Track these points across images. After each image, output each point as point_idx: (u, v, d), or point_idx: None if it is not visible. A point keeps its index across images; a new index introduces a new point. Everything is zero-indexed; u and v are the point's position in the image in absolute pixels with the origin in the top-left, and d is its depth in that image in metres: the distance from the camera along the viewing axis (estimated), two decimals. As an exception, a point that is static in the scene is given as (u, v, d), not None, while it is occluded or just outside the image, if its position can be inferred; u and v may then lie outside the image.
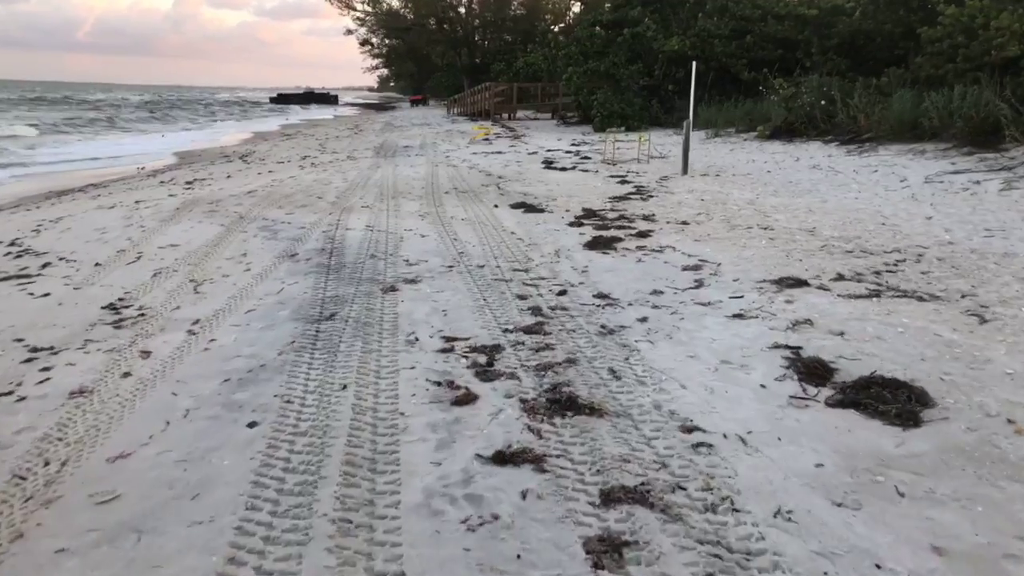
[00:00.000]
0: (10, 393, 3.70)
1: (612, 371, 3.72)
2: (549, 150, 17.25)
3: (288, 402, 3.49)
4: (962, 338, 4.05)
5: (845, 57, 21.66)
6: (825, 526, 2.43)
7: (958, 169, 10.64)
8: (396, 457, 2.94)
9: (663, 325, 4.44)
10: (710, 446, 2.95)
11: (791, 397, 3.39)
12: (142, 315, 4.97)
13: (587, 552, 2.30)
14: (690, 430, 3.08)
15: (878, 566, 2.24)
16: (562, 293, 5.16)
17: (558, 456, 2.90)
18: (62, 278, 5.98)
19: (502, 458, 2.87)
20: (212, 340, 4.44)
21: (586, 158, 15.16)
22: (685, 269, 5.77)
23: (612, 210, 8.67)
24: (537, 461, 2.85)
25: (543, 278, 5.61)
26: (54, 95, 76.51)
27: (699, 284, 5.32)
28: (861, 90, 16.33)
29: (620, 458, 2.87)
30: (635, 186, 10.69)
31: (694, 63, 12.59)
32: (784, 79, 19.04)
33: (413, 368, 3.86)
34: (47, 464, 2.97)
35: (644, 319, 4.56)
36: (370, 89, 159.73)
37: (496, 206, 9.16)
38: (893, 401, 3.22)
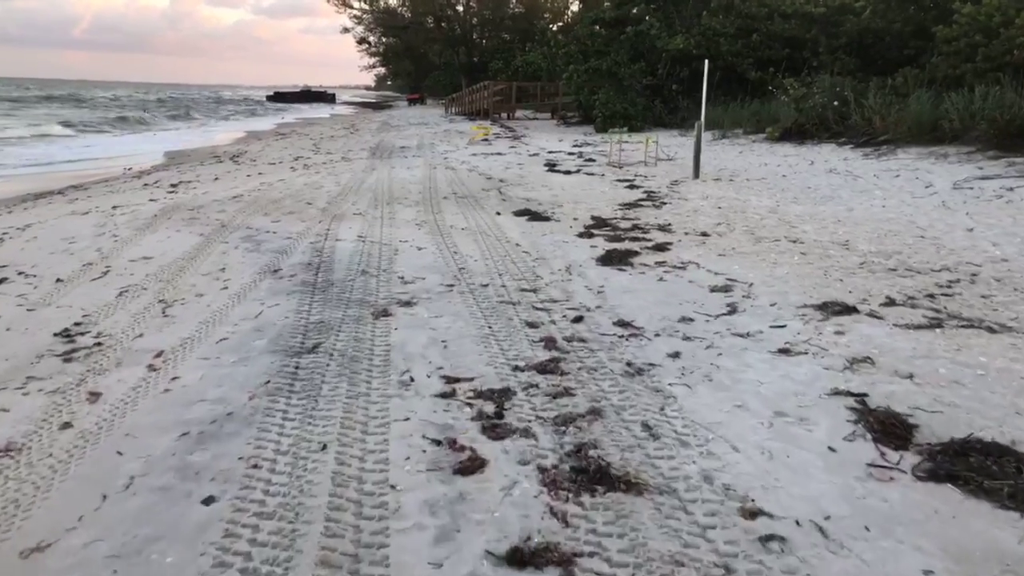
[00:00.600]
0: (-79, 452, 3.08)
1: (647, 427, 3.10)
2: (551, 151, 16.63)
3: (255, 467, 2.87)
4: (1055, 383, 3.44)
5: (853, 56, 21.08)
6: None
7: (987, 174, 10.04)
8: (385, 554, 2.32)
9: (699, 363, 3.82)
10: (782, 540, 2.33)
11: (870, 466, 2.77)
12: (98, 344, 4.34)
13: None
14: (753, 514, 2.46)
15: None
16: (578, 320, 4.53)
17: (591, 555, 2.28)
18: (16, 297, 5.35)
19: (520, 558, 2.25)
20: (175, 378, 3.81)
21: (590, 160, 14.55)
22: (714, 290, 5.15)
23: (624, 219, 8.05)
24: (565, 564, 2.23)
25: (555, 300, 4.98)
26: (60, 92, 75.81)
27: (732, 309, 4.70)
28: (875, 90, 15.74)
29: (671, 559, 2.25)
30: (645, 191, 10.07)
31: (706, 62, 11.99)
32: (793, 79, 18.42)
33: (407, 420, 3.23)
34: (-58, 561, 2.34)
35: (676, 354, 3.93)
36: (367, 88, 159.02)
37: (498, 213, 8.54)
38: (1001, 475, 2.61)
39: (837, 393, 3.40)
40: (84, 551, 2.39)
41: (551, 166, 13.50)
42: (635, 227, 7.52)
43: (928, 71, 16.06)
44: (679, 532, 2.38)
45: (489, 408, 3.32)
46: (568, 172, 12.55)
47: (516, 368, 3.79)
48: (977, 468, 2.65)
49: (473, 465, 2.81)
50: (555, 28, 53.35)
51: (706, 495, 2.59)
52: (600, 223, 7.79)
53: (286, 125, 36.61)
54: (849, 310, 4.56)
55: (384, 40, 63.01)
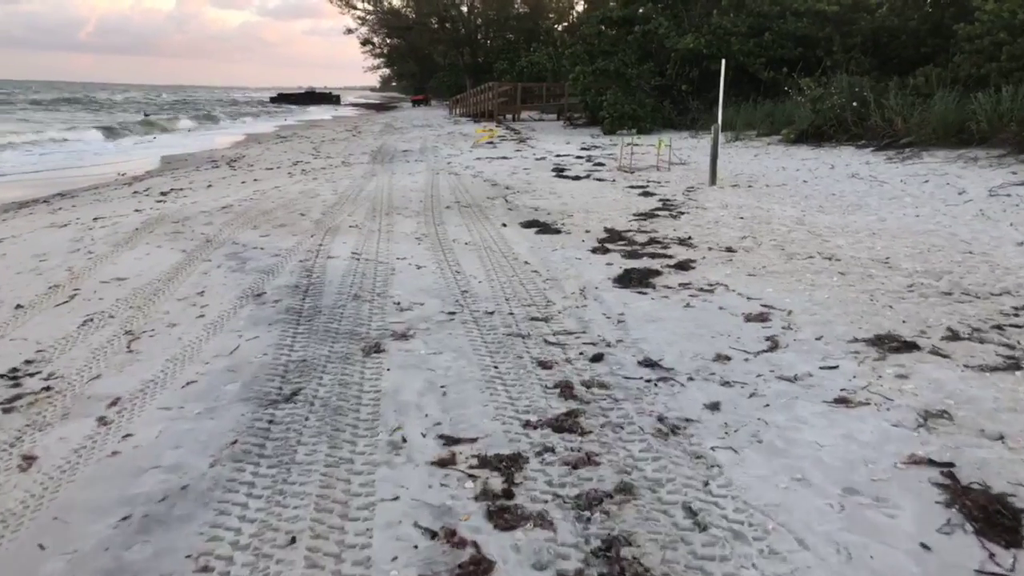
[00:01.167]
0: None
1: (690, 511, 2.52)
2: (558, 155, 16.05)
3: (205, 571, 2.30)
4: None
5: (869, 56, 20.47)
6: None
7: (1023, 180, 9.43)
8: None
9: (744, 417, 3.24)
10: None
11: (979, 573, 2.18)
12: (47, 389, 3.78)
13: None
14: (842, 654, 1.88)
15: None
16: (597, 358, 3.95)
17: None
18: (-32, 328, 4.79)
19: None
20: (127, 436, 3.25)
21: (599, 164, 13.96)
22: (749, 320, 4.56)
23: (640, 231, 7.46)
24: None
25: (570, 332, 4.40)
26: (79, 95, 75.91)
27: (773, 344, 4.11)
28: (895, 91, 15.11)
29: None
30: (660, 199, 9.48)
31: (723, 61, 11.36)
32: (809, 79, 17.80)
33: (396, 499, 2.66)
34: None
35: (715, 406, 3.35)
36: (372, 89, 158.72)
37: (504, 225, 7.96)
38: None
39: (916, 462, 2.81)
40: None
41: (559, 171, 12.92)
42: (653, 241, 6.93)
43: (951, 70, 15.41)
44: None
45: (496, 483, 2.74)
46: (577, 178, 11.97)
47: (528, 424, 3.21)
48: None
49: (476, 571, 2.23)
50: (560, 28, 52.81)
51: (777, 621, 2.01)
52: (614, 236, 7.20)
53: (287, 127, 36.12)
54: (908, 346, 3.97)
55: (388, 41, 62.53)
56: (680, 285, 5.39)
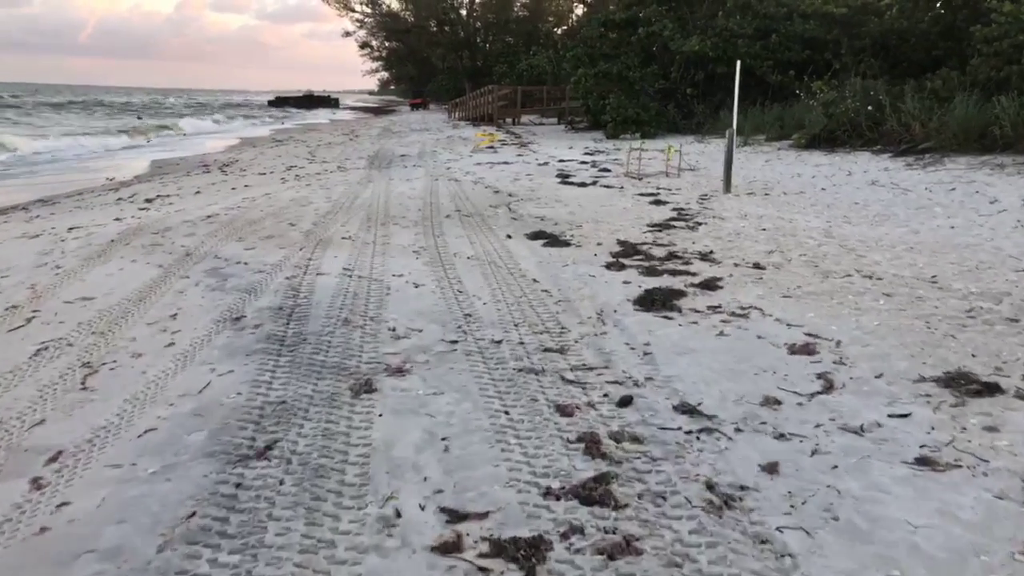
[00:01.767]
0: None
1: (767, 629, 1.94)
2: (561, 160, 15.49)
3: None
4: None
5: (878, 59, 19.97)
6: None
7: (1058, 189, 8.90)
8: None
9: (809, 483, 2.67)
10: None
11: None
12: (-22, 439, 3.21)
13: None
14: None
15: None
16: (625, 402, 3.38)
17: None
18: (-95, 358, 4.22)
19: None
20: (63, 504, 2.68)
21: (605, 170, 13.40)
22: (793, 352, 4.00)
23: (656, 243, 6.90)
24: None
25: (590, 367, 3.83)
26: (85, 99, 75.74)
27: (827, 384, 3.55)
28: (912, 94, 14.59)
29: None
30: (674, 208, 8.93)
31: (738, 63, 10.82)
32: (822, 82, 17.29)
33: (388, 605, 2.09)
34: None
35: (772, 467, 2.78)
36: (371, 92, 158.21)
37: (509, 236, 7.40)
38: None
39: (1039, 552, 2.24)
40: None
41: (564, 177, 12.36)
42: (672, 255, 6.36)
43: (969, 73, 14.88)
44: None
45: (514, 580, 2.17)
46: (583, 184, 11.41)
47: (549, 493, 2.64)
48: None
49: None
50: (559, 32, 52.34)
51: None
52: (629, 249, 6.64)
53: (284, 131, 35.57)
54: (989, 389, 3.40)
55: (387, 44, 62.01)
56: (709, 308, 4.82)
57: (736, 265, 5.98)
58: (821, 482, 2.68)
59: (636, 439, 3.02)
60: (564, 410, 3.31)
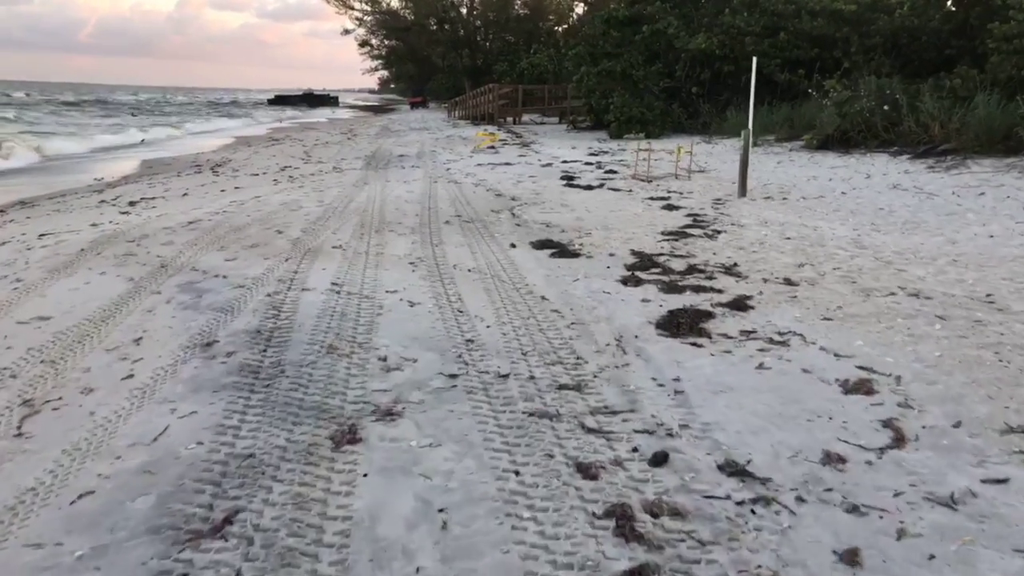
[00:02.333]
0: None
1: None
2: (565, 161, 14.93)
3: None
4: None
5: (888, 57, 19.45)
6: None
7: (1098, 194, 8.35)
8: None
9: (906, 584, 2.11)
10: None
11: None
12: None
13: None
14: None
15: None
16: (660, 460, 2.82)
17: None
18: None
19: None
20: (-40, 605, 2.11)
21: (611, 172, 12.84)
22: (848, 391, 3.44)
23: (673, 254, 6.34)
24: None
25: (613, 411, 3.27)
26: (89, 97, 75.58)
27: (897, 436, 2.99)
28: (929, 93, 14.03)
29: None
30: (688, 215, 8.36)
31: (755, 60, 10.26)
32: (835, 80, 16.73)
33: None
34: None
35: (852, 556, 2.22)
36: (371, 91, 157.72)
37: (513, 246, 6.84)
38: None
39: None
40: None
41: (569, 179, 11.80)
42: (693, 269, 5.80)
43: (988, 72, 14.33)
44: None
45: None
46: (589, 187, 10.85)
47: (574, 594, 2.08)
48: None
49: None
50: (560, 31, 51.77)
51: None
52: (645, 261, 6.08)
53: (280, 130, 34.98)
54: (1096, 445, 2.84)
55: (386, 43, 61.41)
56: (742, 334, 4.26)
57: (765, 280, 5.42)
58: (920, 581, 2.12)
59: (677, 513, 2.46)
60: (587, 470, 2.75)
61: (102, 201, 10.83)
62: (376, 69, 70.86)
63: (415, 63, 64.29)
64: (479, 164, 14.73)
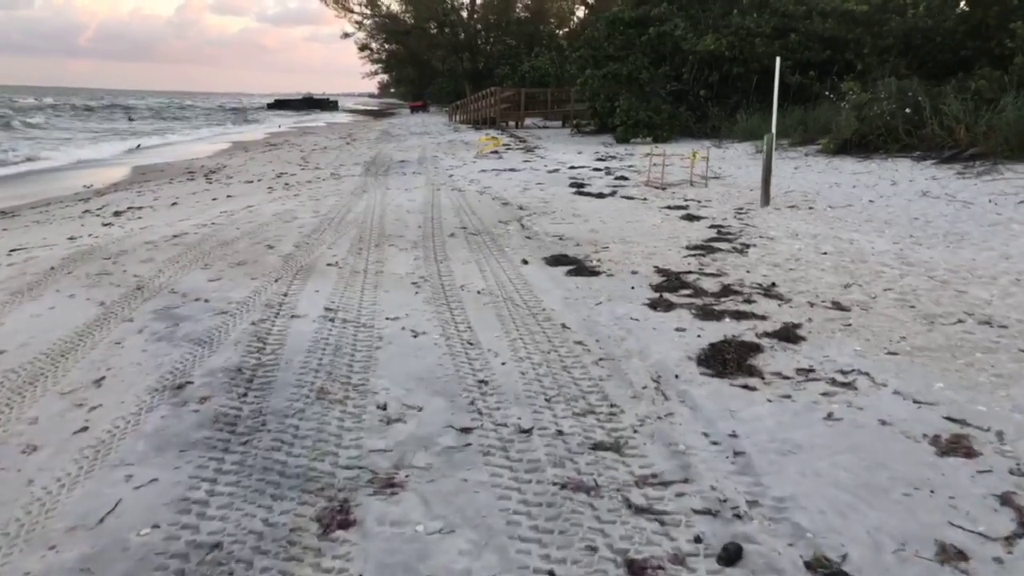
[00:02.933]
0: None
1: None
2: (572, 167, 14.36)
3: None
4: None
5: (903, 58, 18.92)
6: None
7: None
8: None
9: None
10: None
11: None
12: None
13: None
14: None
15: None
16: (732, 558, 2.23)
17: None
18: None
19: None
20: None
21: (622, 178, 12.27)
22: (942, 451, 2.85)
23: (702, 272, 5.76)
24: None
25: (663, 480, 2.69)
26: (99, 103, 75.73)
27: (1022, 518, 2.40)
28: (953, 95, 13.47)
29: None
30: (711, 226, 7.78)
31: (777, 59, 9.70)
32: (853, 82, 16.17)
33: None
34: None
35: None
36: (371, 95, 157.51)
37: (525, 262, 6.26)
38: None
39: None
40: None
41: (578, 187, 11.22)
42: (727, 289, 5.22)
43: (1013, 73, 13.76)
44: None
45: None
46: (601, 195, 10.27)
47: None
48: None
49: None
50: (561, 34, 51.27)
51: None
52: (672, 280, 5.50)
53: (279, 134, 34.41)
54: None
55: (386, 46, 60.94)
56: (799, 373, 3.67)
57: (811, 304, 4.83)
58: None
59: (769, 644, 1.86)
60: (641, 572, 2.16)
61: (86, 211, 10.26)
62: (376, 73, 70.45)
63: (415, 67, 63.83)
64: (483, 170, 14.16)
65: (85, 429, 3.23)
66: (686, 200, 9.70)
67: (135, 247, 6.86)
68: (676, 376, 3.66)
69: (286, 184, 12.76)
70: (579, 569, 2.19)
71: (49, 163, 20.59)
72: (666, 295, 5.12)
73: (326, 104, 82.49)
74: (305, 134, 33.81)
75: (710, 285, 5.36)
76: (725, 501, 2.53)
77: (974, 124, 12.39)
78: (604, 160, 15.78)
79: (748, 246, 6.71)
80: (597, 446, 2.94)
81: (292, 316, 4.68)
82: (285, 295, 5.16)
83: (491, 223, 8.22)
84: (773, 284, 5.35)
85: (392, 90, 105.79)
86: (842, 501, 2.52)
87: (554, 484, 2.67)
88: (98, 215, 9.70)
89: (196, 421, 3.25)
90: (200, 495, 2.65)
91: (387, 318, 4.66)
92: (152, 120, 48.75)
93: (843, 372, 3.67)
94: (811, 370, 3.71)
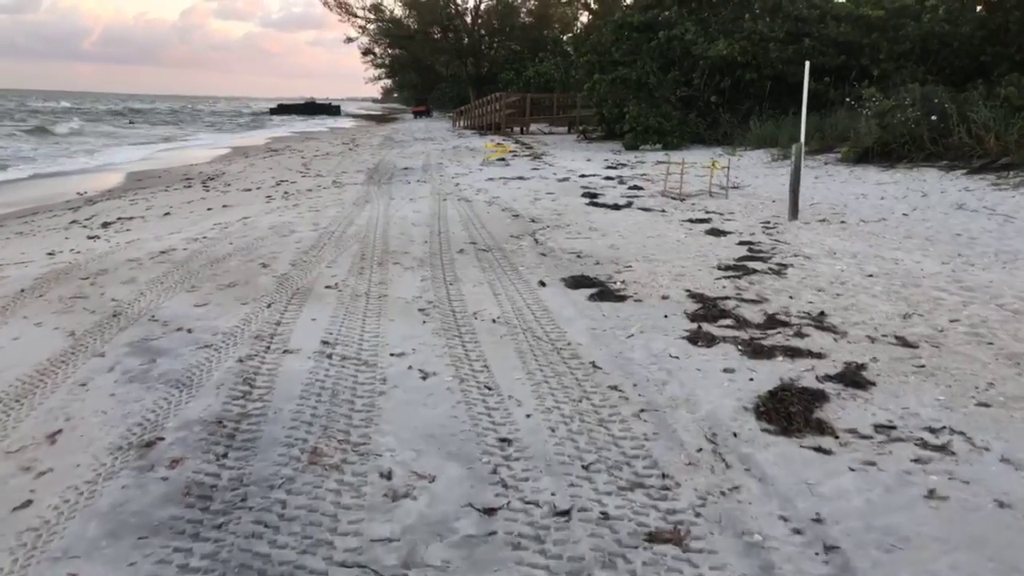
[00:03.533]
0: None
1: None
2: (583, 175, 13.82)
3: None
4: None
5: (920, 64, 18.42)
6: None
7: None
8: None
9: None
10: None
11: None
12: None
13: None
14: None
15: None
16: None
17: None
18: None
19: None
20: None
21: (636, 188, 11.72)
22: (1089, 549, 2.28)
23: (740, 297, 5.20)
24: None
25: (743, 589, 2.12)
26: (111, 107, 76.45)
27: None
28: (981, 101, 12.92)
29: None
30: (741, 242, 7.22)
31: (807, 64, 9.14)
32: (874, 88, 15.63)
33: None
34: None
35: None
36: (374, 100, 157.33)
37: (543, 284, 5.70)
38: None
39: None
40: None
41: (591, 197, 10.67)
42: (773, 320, 4.65)
43: (1041, 78, 13.22)
44: None
45: None
46: (617, 207, 9.72)
47: None
48: None
49: None
50: (565, 39, 50.80)
51: None
52: (709, 307, 4.94)
53: (280, 139, 33.92)
54: None
55: (390, 51, 60.55)
56: (879, 431, 3.11)
57: (871, 340, 4.26)
58: None
59: None
60: None
61: (73, 222, 9.72)
62: (379, 78, 70.12)
63: (419, 72, 63.42)
64: (490, 179, 13.61)
65: (27, 504, 2.68)
66: (707, 212, 9.14)
67: (117, 265, 6.31)
68: (735, 434, 3.10)
69: (285, 193, 12.22)
70: None
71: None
72: (705, 326, 4.56)
73: (328, 109, 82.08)
74: (307, 139, 33.32)
75: (752, 314, 4.80)
76: (830, 626, 1.97)
77: (1004, 132, 11.85)
78: (615, 168, 15.24)
79: (785, 266, 6.14)
80: (653, 537, 2.38)
81: (284, 351, 4.12)
82: (278, 324, 4.61)
83: (502, 238, 7.67)
84: (822, 313, 4.79)
85: (395, 95, 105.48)
86: (981, 627, 1.96)
87: (606, 596, 2.10)
88: (85, 226, 9.17)
89: (163, 493, 2.70)
90: (157, 607, 2.09)
91: (392, 354, 4.10)
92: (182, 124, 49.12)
93: (932, 430, 3.10)
94: (892, 426, 3.14)
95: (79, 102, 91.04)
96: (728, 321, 4.66)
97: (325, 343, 4.25)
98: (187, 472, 2.84)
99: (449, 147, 23.56)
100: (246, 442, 3.08)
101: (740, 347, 4.15)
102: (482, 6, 52.92)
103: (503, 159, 17.65)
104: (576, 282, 5.75)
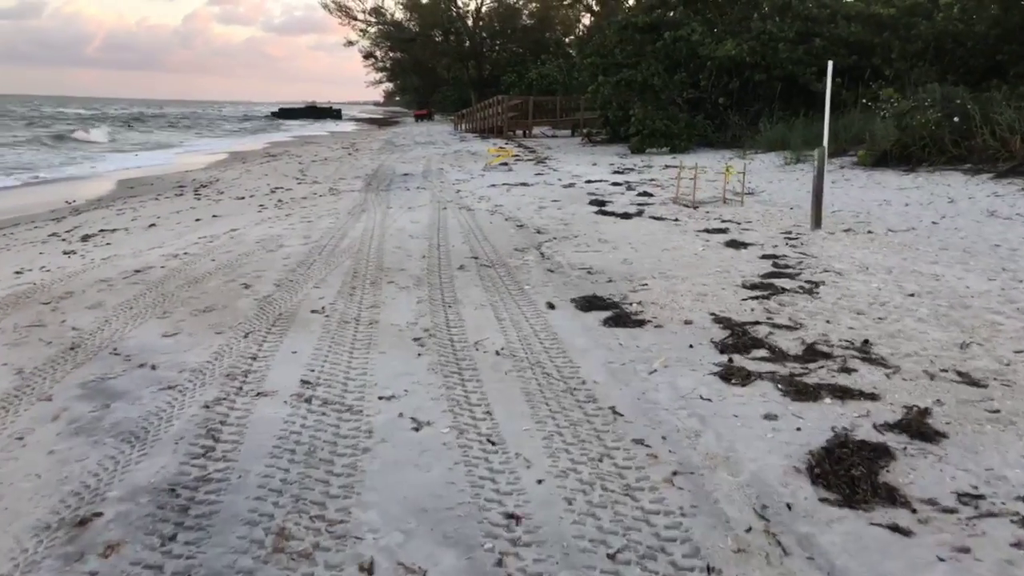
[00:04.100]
0: None
1: None
2: (589, 180, 13.30)
3: None
4: None
5: (934, 64, 17.87)
6: None
7: None
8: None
9: None
10: None
11: None
12: None
13: None
14: None
15: None
16: None
17: None
18: None
19: None
20: None
21: (646, 195, 11.19)
22: None
23: (772, 322, 4.66)
24: None
25: None
26: (123, 112, 76.72)
27: None
28: (1005, 102, 12.38)
29: None
30: (764, 255, 6.69)
31: (830, 63, 8.60)
32: (891, 89, 15.10)
33: None
34: None
35: None
36: (376, 104, 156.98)
37: (551, 306, 5.17)
38: None
39: None
40: None
41: (599, 205, 10.14)
42: (812, 350, 4.12)
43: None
44: None
45: None
46: (627, 215, 9.18)
47: None
48: None
49: None
50: (567, 41, 50.34)
51: None
52: (739, 335, 4.40)
53: (279, 144, 33.45)
54: None
55: (391, 55, 60.18)
56: (963, 500, 2.58)
57: (930, 376, 3.72)
58: None
59: None
60: None
61: (53, 234, 9.22)
62: (380, 82, 69.76)
63: (420, 75, 63.02)
64: (492, 185, 13.09)
65: (-79, 611, 2.15)
66: (724, 221, 8.61)
67: (86, 287, 5.79)
68: (788, 506, 2.57)
69: (279, 201, 11.71)
70: None
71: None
72: (737, 359, 4.03)
73: (329, 112, 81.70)
74: (306, 144, 32.85)
75: (788, 343, 4.26)
76: None
77: (1032, 134, 11.31)
78: (622, 173, 14.71)
79: (816, 284, 5.61)
80: (705, 668, 1.84)
81: (258, 394, 3.60)
82: (254, 359, 4.08)
83: (506, 251, 7.14)
84: (867, 342, 4.25)
85: (397, 98, 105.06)
86: None
87: None
88: (64, 239, 8.67)
89: (89, 597, 2.17)
90: None
91: (380, 397, 3.57)
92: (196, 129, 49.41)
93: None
94: (979, 496, 2.61)
95: (98, 107, 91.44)
96: (762, 352, 4.13)
97: (305, 383, 3.73)
98: (123, 564, 2.31)
99: (450, 151, 23.06)
100: (200, 519, 2.55)
101: (780, 386, 3.62)
102: (483, 8, 52.52)
103: (506, 163, 17.13)
104: (588, 303, 5.22)
